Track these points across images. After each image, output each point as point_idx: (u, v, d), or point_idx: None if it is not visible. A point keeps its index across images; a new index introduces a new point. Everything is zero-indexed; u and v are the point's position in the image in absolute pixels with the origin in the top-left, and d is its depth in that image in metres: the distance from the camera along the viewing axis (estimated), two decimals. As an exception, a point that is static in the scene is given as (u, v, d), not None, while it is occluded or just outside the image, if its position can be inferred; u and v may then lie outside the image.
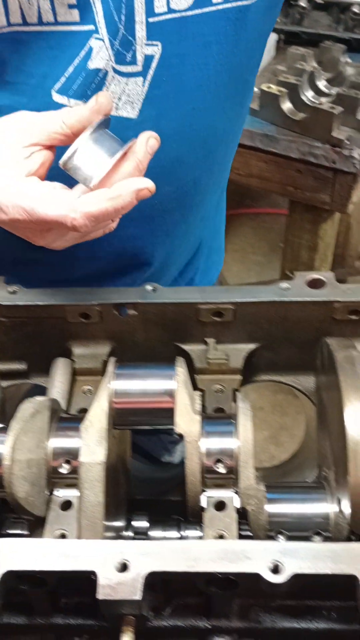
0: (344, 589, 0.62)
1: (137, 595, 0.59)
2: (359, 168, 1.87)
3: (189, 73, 0.98)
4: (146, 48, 0.92)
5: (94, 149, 0.79)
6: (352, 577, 0.59)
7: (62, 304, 0.89)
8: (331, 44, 2.19)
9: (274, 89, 1.94)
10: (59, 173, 0.80)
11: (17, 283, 0.90)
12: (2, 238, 0.90)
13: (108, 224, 0.87)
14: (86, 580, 0.62)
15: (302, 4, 2.26)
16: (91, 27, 0.89)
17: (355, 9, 2.24)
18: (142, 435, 1.22)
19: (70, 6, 0.86)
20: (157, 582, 0.64)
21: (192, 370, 0.92)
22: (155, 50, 0.93)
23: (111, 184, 0.78)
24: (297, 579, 0.60)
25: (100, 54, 0.90)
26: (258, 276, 3.30)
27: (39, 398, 0.81)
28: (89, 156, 0.79)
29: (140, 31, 0.92)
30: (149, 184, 0.78)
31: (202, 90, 1.01)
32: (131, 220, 0.91)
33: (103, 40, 0.89)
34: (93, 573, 0.61)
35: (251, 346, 0.92)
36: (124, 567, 0.61)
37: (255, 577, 0.60)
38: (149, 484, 1.36)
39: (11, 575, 0.61)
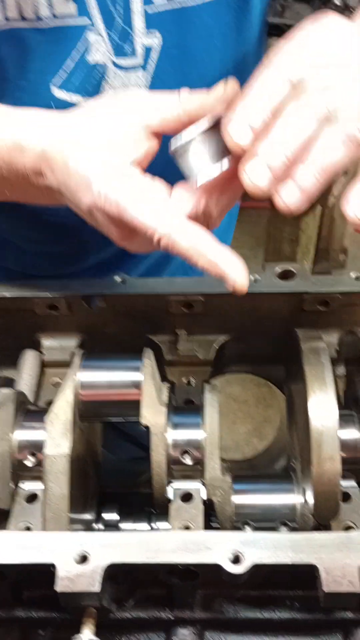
0: (306, 578, 0.62)
1: (96, 587, 0.59)
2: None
3: (191, 65, 0.96)
4: (145, 39, 0.91)
5: (211, 144, 0.69)
6: (312, 567, 0.59)
7: (30, 296, 0.88)
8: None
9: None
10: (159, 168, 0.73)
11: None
12: (7, 227, 0.86)
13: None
14: (48, 572, 0.61)
15: (284, -5, 2.25)
16: (86, 20, 0.87)
17: (336, 1, 2.23)
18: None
19: None
20: (118, 574, 0.64)
21: (163, 362, 0.92)
22: (155, 41, 0.92)
23: (217, 192, 0.71)
24: (257, 568, 0.60)
25: (98, 48, 0.89)
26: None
27: (4, 390, 0.80)
28: (203, 150, 0.68)
29: (139, 22, 0.90)
30: (237, 285, 0.69)
31: (204, 81, 0.97)
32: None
33: (100, 34, 0.88)
34: (52, 565, 0.60)
35: (222, 338, 0.92)
36: (83, 559, 0.61)
37: (216, 568, 0.60)
38: (128, 475, 1.36)
39: (-30, 568, 0.61)
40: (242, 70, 1.01)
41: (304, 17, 1.99)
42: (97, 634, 0.62)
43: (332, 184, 1.97)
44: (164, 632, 0.68)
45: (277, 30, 2.34)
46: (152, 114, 0.72)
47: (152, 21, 0.91)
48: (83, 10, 0.88)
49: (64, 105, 0.92)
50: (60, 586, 0.59)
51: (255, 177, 0.65)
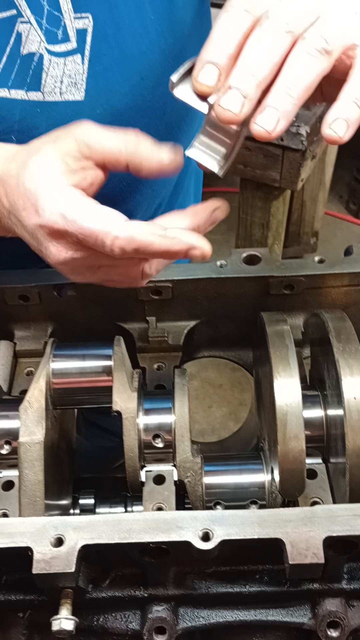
0: (273, 553, 0.65)
1: (72, 568, 0.61)
2: (306, 145, 1.89)
3: (128, 41, 0.95)
4: (76, 22, 0.90)
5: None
6: (278, 541, 0.62)
7: (1, 285, 0.89)
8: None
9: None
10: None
11: None
12: None
13: (137, 277, 0.76)
14: (25, 556, 0.63)
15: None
16: (13, 11, 0.87)
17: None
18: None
19: None
20: (92, 555, 0.66)
21: (134, 349, 0.93)
22: (87, 22, 0.91)
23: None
24: (225, 544, 0.62)
25: (30, 37, 0.88)
26: (215, 255, 3.30)
27: (-22, 380, 0.81)
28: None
29: (65, 4, 0.89)
30: (205, 249, 0.70)
31: (147, 57, 0.97)
32: (101, 201, 0.87)
33: (29, 21, 0.88)
34: (29, 549, 0.62)
35: (191, 323, 0.94)
36: (59, 542, 0.62)
37: (186, 545, 0.62)
38: (103, 461, 1.38)
39: None
40: (181, 39, 1.01)
41: None
42: (74, 613, 0.64)
43: (300, 168, 1.99)
44: (139, 610, 0.71)
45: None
46: (95, 149, 0.72)
47: (80, 3, 0.89)
48: (8, 3, 0.86)
49: (4, 102, 0.91)
50: (37, 569, 0.61)
51: (229, 105, 0.64)
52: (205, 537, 0.62)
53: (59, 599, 0.65)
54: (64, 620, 0.63)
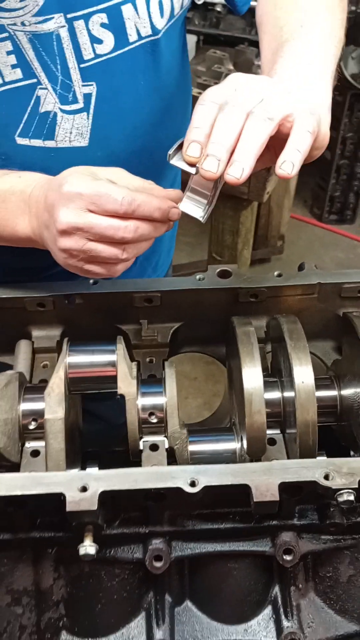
0: (242, 499, 0.87)
1: (94, 507, 0.83)
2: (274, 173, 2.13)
3: (123, 101, 1.20)
4: (83, 88, 1.14)
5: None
6: (245, 486, 0.84)
7: (22, 296, 1.11)
8: (245, 47, 2.43)
9: (194, 91, 2.16)
10: None
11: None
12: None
13: (114, 265, 0.98)
14: (56, 502, 0.85)
15: (218, 8, 2.48)
16: (34, 80, 1.09)
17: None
18: (100, 401, 1.42)
19: (13, 66, 1.07)
20: (108, 500, 0.87)
21: (129, 346, 1.15)
22: (92, 88, 1.15)
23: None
24: (207, 490, 0.84)
25: (47, 99, 1.11)
26: (189, 256, 3.55)
27: (9, 372, 1.03)
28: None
29: (75, 75, 1.13)
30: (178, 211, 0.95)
31: (138, 112, 1.22)
32: None
33: (47, 88, 1.10)
34: (62, 494, 0.84)
35: (175, 325, 1.16)
36: (84, 489, 0.84)
37: (178, 490, 0.84)
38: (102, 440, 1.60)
39: (2, 499, 0.83)
40: (166, 97, 1.26)
41: (236, 28, 2.27)
42: (93, 545, 0.86)
43: (266, 182, 2.23)
44: (141, 543, 0.93)
45: (213, 39, 2.58)
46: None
47: (86, 73, 1.14)
48: (29, 73, 1.10)
49: (26, 149, 1.14)
50: (69, 507, 0.82)
51: (209, 167, 0.87)
52: (192, 484, 0.84)
53: (83, 533, 0.86)
54: (88, 547, 0.85)
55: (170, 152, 0.91)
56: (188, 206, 0.94)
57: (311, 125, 0.89)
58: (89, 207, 0.91)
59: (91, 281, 1.12)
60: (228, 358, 1.17)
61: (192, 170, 0.89)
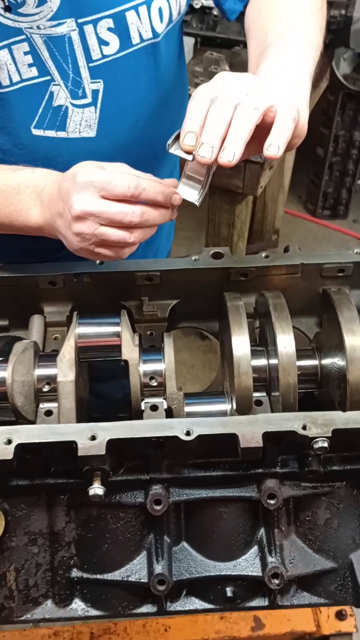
0: (231, 449, 0.99)
1: (102, 452, 0.95)
2: (264, 158, 2.25)
3: (126, 97, 1.34)
4: (92, 85, 1.27)
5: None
6: (234, 435, 0.97)
7: (35, 275, 1.23)
8: (240, 49, 2.56)
9: (192, 91, 2.29)
10: None
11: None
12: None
13: (123, 248, 1.09)
14: (69, 449, 0.97)
15: (215, 12, 2.60)
16: (48, 77, 1.22)
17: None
18: (102, 382, 1.54)
19: (30, 65, 1.20)
20: (114, 449, 1.00)
21: (132, 321, 1.27)
22: (99, 85, 1.28)
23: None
24: (201, 438, 0.97)
25: (59, 95, 1.24)
26: (188, 250, 3.66)
27: (25, 341, 1.15)
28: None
29: (85, 73, 1.26)
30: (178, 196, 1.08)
31: (139, 107, 1.36)
32: None
33: (59, 84, 1.23)
34: (74, 442, 0.96)
35: (173, 302, 1.28)
36: (93, 438, 0.96)
37: (175, 439, 0.97)
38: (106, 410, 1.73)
39: (20, 447, 0.96)
40: (164, 93, 1.40)
41: (232, 31, 2.41)
42: (100, 490, 0.98)
43: (260, 177, 2.35)
44: (143, 489, 1.05)
45: (210, 41, 2.71)
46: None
47: (94, 71, 1.28)
48: (44, 71, 1.24)
49: (41, 139, 1.27)
50: (80, 452, 0.95)
51: (204, 154, 1.00)
52: (188, 434, 0.97)
53: (92, 477, 0.99)
54: (97, 488, 0.97)
55: (169, 142, 1.04)
56: (184, 190, 1.07)
57: (292, 113, 1.02)
58: (100, 194, 1.03)
59: (98, 262, 1.24)
60: (221, 332, 1.29)
61: (189, 157, 1.02)
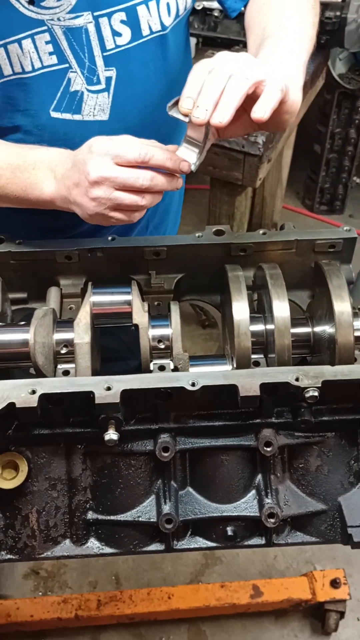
0: (232, 402, 1.11)
1: (117, 400, 1.07)
2: (263, 151, 2.38)
3: (137, 85, 1.47)
4: (106, 72, 1.40)
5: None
6: (234, 385, 1.09)
7: (53, 249, 1.35)
8: (240, 48, 2.68)
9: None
10: None
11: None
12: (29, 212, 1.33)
13: (135, 211, 1.22)
14: (86, 399, 1.09)
15: (216, 14, 2.73)
16: (66, 65, 1.35)
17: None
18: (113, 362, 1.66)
19: (50, 53, 1.33)
20: (127, 400, 1.11)
21: (141, 292, 1.39)
22: (112, 73, 1.41)
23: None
24: (205, 389, 1.08)
25: (76, 81, 1.38)
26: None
27: (45, 307, 1.27)
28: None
29: (99, 61, 1.39)
30: (186, 165, 1.19)
31: (149, 94, 1.50)
32: None
33: (76, 71, 1.36)
34: (92, 392, 1.08)
35: (178, 275, 1.40)
36: (109, 388, 1.08)
37: (182, 389, 1.08)
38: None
39: (44, 397, 1.07)
40: (171, 81, 1.54)
41: (232, 31, 2.54)
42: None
43: (258, 169, 2.47)
44: (152, 438, 1.17)
45: (211, 41, 2.83)
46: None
47: (108, 60, 1.41)
48: (63, 59, 1.37)
49: (58, 121, 1.40)
50: (97, 400, 1.07)
51: (199, 115, 1.11)
52: (193, 385, 1.09)
53: (107, 425, 1.11)
54: (112, 434, 1.09)
55: (169, 104, 1.17)
56: (183, 152, 1.19)
57: (280, 85, 1.13)
58: (115, 161, 1.15)
59: (110, 238, 1.36)
60: (222, 304, 1.41)
61: (186, 119, 1.15)
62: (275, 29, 1.34)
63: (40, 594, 2.46)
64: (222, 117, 1.10)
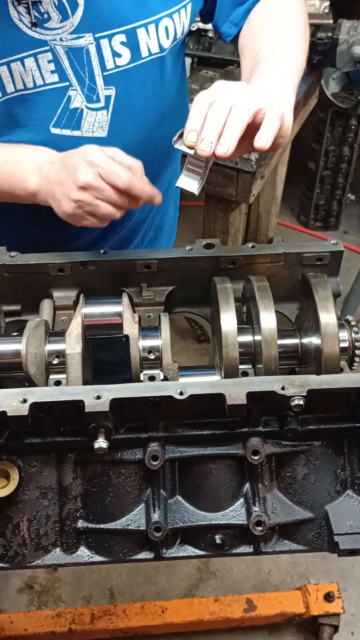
0: (219, 411, 1.13)
1: (106, 409, 1.09)
2: (255, 168, 2.42)
3: (135, 104, 1.52)
4: (105, 91, 1.44)
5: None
6: (221, 394, 1.11)
7: (46, 262, 1.38)
8: (234, 68, 2.74)
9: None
10: None
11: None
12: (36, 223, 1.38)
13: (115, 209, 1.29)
14: (77, 408, 1.11)
15: (210, 34, 2.79)
16: (67, 83, 1.40)
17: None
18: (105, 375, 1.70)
19: (52, 72, 1.38)
20: (116, 409, 1.14)
21: (132, 304, 1.42)
22: (111, 92, 1.45)
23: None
24: (192, 398, 1.11)
25: (76, 99, 1.42)
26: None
27: (37, 319, 1.29)
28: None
29: (99, 80, 1.43)
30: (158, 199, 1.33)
31: (146, 112, 1.55)
32: None
33: (76, 89, 1.40)
34: (82, 401, 1.10)
35: (169, 288, 1.43)
36: (98, 397, 1.10)
37: (170, 398, 1.10)
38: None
39: (35, 405, 1.10)
40: (168, 101, 1.60)
41: (226, 52, 2.60)
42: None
43: (252, 186, 2.51)
44: (141, 447, 1.19)
45: (206, 61, 2.88)
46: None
47: (108, 79, 1.46)
48: (64, 77, 1.42)
49: (58, 137, 1.44)
50: (87, 409, 1.09)
51: (204, 148, 1.16)
52: (181, 394, 1.11)
53: (97, 433, 1.13)
54: (101, 442, 1.11)
55: (174, 138, 1.21)
56: (184, 182, 1.22)
57: (278, 114, 1.19)
58: (102, 176, 1.23)
59: (102, 251, 1.39)
60: (212, 316, 1.44)
61: (191, 151, 1.18)
62: (268, 54, 1.40)
63: (34, 607, 2.46)
64: (226, 148, 1.16)
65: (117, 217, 1.31)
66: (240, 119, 1.16)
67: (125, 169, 1.25)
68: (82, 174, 1.24)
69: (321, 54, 2.90)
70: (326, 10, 2.90)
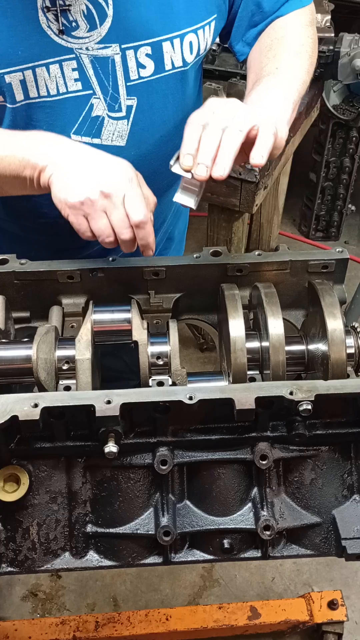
0: (228, 416, 1.14)
1: (117, 413, 1.10)
2: (259, 178, 2.44)
3: (155, 115, 1.55)
4: (127, 101, 1.47)
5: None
6: (230, 400, 1.12)
7: (56, 270, 1.39)
8: (237, 80, 2.77)
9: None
10: None
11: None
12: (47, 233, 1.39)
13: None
14: (87, 412, 1.12)
15: (214, 47, 2.82)
16: (90, 91, 1.43)
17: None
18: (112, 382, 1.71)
19: (76, 80, 1.42)
20: (126, 414, 1.15)
21: (140, 311, 1.44)
22: (133, 102, 1.48)
23: None
24: (202, 402, 1.12)
25: (98, 107, 1.45)
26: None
27: (47, 325, 1.31)
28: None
29: (122, 90, 1.46)
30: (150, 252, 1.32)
31: (165, 124, 1.58)
32: None
33: (99, 98, 1.43)
34: (92, 406, 1.11)
35: (177, 295, 1.45)
36: (109, 402, 1.12)
37: (180, 403, 1.12)
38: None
39: (46, 410, 1.11)
40: (187, 113, 1.60)
41: (229, 64, 2.65)
42: (114, 451, 1.13)
43: (255, 196, 2.54)
44: (151, 452, 1.20)
45: (210, 74, 2.92)
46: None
47: (130, 90, 1.48)
48: (87, 86, 1.44)
49: None
50: (98, 413, 1.10)
51: (200, 172, 1.20)
52: (190, 398, 1.12)
53: (107, 438, 1.14)
54: (111, 447, 1.12)
55: (172, 162, 1.25)
56: (181, 198, 1.26)
57: (272, 129, 1.22)
58: (124, 204, 1.25)
59: (110, 258, 1.41)
60: (219, 323, 1.45)
61: (188, 175, 1.23)
62: (272, 70, 1.46)
63: (38, 615, 2.46)
64: (222, 171, 1.20)
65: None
66: (234, 141, 1.20)
67: (127, 227, 1.25)
68: (92, 192, 1.23)
69: (323, 66, 2.93)
70: (328, 24, 2.94)
